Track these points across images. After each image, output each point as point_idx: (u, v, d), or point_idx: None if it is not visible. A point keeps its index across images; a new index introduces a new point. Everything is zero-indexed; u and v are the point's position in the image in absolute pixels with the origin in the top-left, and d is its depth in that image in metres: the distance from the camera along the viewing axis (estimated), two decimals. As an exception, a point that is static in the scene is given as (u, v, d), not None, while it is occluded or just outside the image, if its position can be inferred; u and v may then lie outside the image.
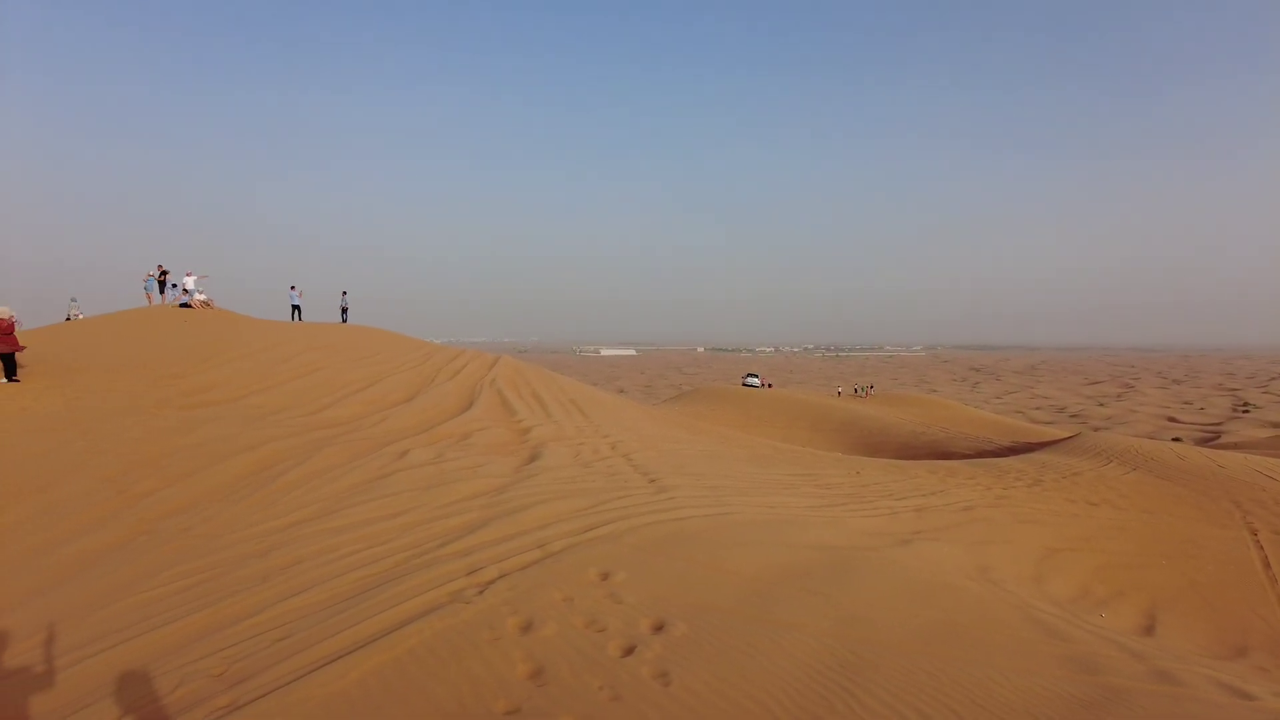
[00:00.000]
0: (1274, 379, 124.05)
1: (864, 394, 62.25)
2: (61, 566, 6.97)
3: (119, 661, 4.78)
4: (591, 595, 5.25)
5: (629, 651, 4.44)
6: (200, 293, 26.93)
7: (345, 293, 30.01)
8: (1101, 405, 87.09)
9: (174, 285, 27.75)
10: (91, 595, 6.16)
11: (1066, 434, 31.37)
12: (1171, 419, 75.87)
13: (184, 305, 26.59)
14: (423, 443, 11.41)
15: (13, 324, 14.26)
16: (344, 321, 29.49)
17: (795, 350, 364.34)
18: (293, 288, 29.11)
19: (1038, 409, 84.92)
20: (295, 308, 28.74)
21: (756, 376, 70.82)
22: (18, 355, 14.45)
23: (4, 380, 14.18)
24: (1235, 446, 38.50)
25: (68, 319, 28.08)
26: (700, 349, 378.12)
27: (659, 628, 4.76)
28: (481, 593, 5.24)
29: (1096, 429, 58.52)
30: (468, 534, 6.82)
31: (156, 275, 28.16)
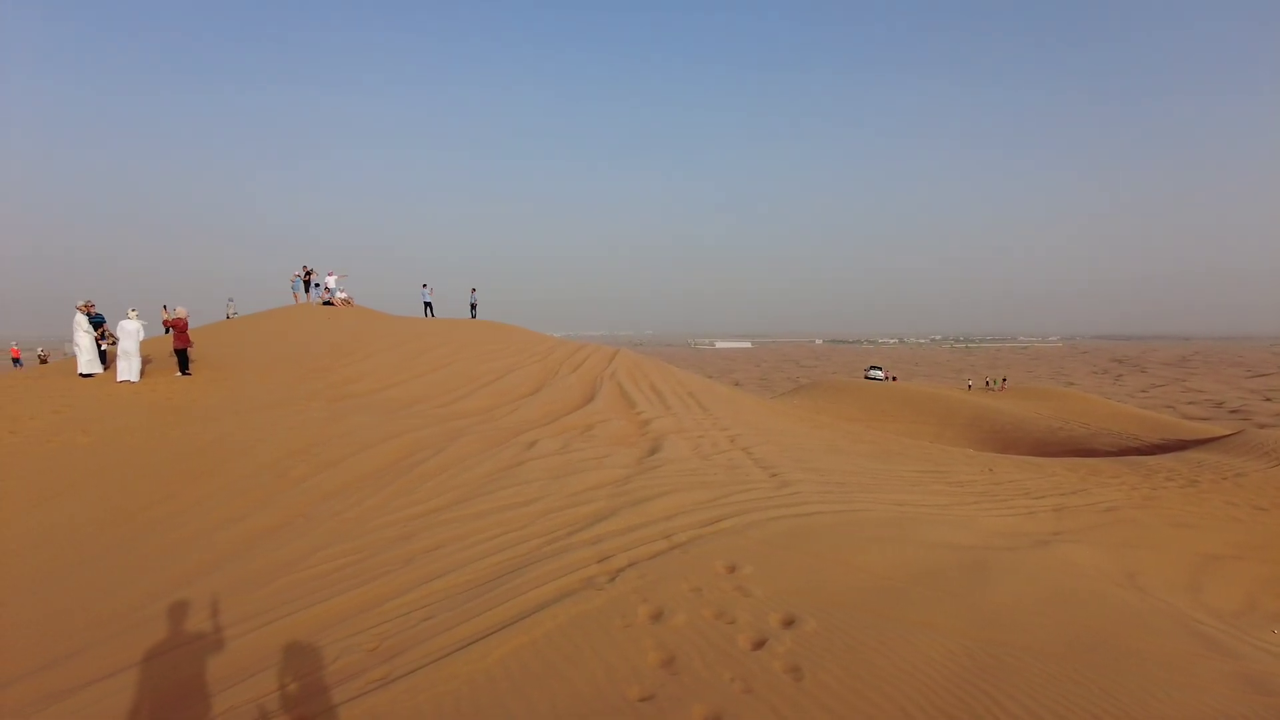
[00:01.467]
0: None
1: (996, 387, 59.16)
2: (231, 544, 7.65)
3: (285, 633, 5.21)
4: (719, 587, 5.31)
5: (759, 645, 4.47)
6: (341, 291, 28.75)
7: (474, 290, 31.27)
8: (1269, 400, 79.12)
9: (317, 285, 29.75)
10: (257, 571, 6.74)
11: (1227, 431, 28.74)
12: (1357, 416, 68.11)
13: (327, 303, 28.46)
14: (549, 434, 11.78)
15: (187, 323, 15.74)
16: (473, 317, 30.74)
17: (921, 342, 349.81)
18: (425, 286, 30.60)
19: (1191, 404, 78.07)
20: (427, 305, 30.21)
21: (880, 369, 68.70)
22: (189, 351, 15.94)
23: (179, 374, 15.69)
24: None
25: (227, 317, 30.64)
26: (818, 341, 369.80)
27: (789, 622, 4.76)
28: (612, 580, 5.39)
29: (1263, 426, 53.30)
30: (596, 522, 7.02)
31: (302, 275, 30.26)
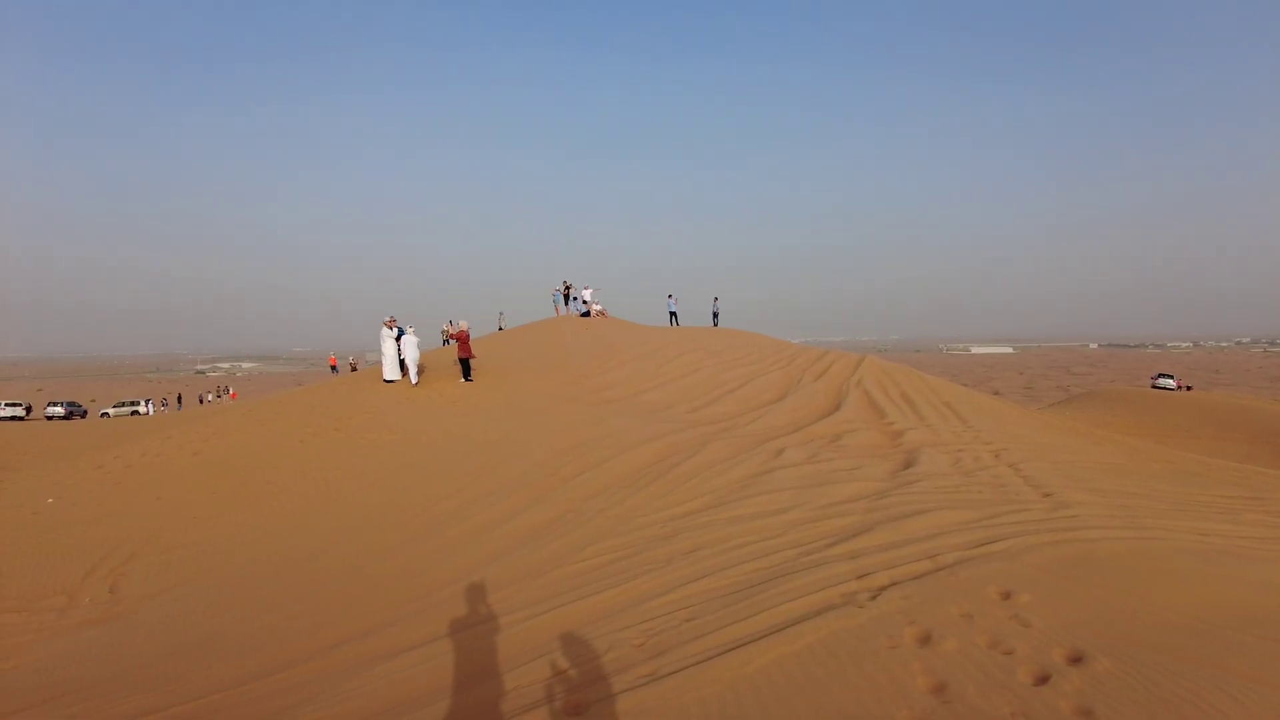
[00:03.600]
0: None
1: (1331, 400, 49.23)
2: (510, 536, 8.50)
3: (559, 623, 5.70)
4: (993, 614, 4.99)
5: (1042, 680, 4.15)
6: (596, 303, 30.74)
7: (716, 298, 31.96)
8: None
9: (575, 298, 32.09)
10: (533, 563, 7.43)
11: None
12: None
13: (584, 314, 30.58)
14: (796, 442, 11.73)
15: (468, 335, 17.76)
16: (715, 325, 31.41)
17: (1222, 345, 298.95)
18: (670, 296, 31.77)
19: None
20: (673, 314, 31.35)
21: (1171, 377, 60.07)
22: (471, 360, 17.95)
23: (463, 380, 17.71)
24: None
25: (499, 329, 33.99)
26: (1093, 345, 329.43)
27: (1076, 659, 4.36)
28: (874, 598, 5.27)
29: None
30: (852, 536, 6.90)
31: (561, 290, 32.82)
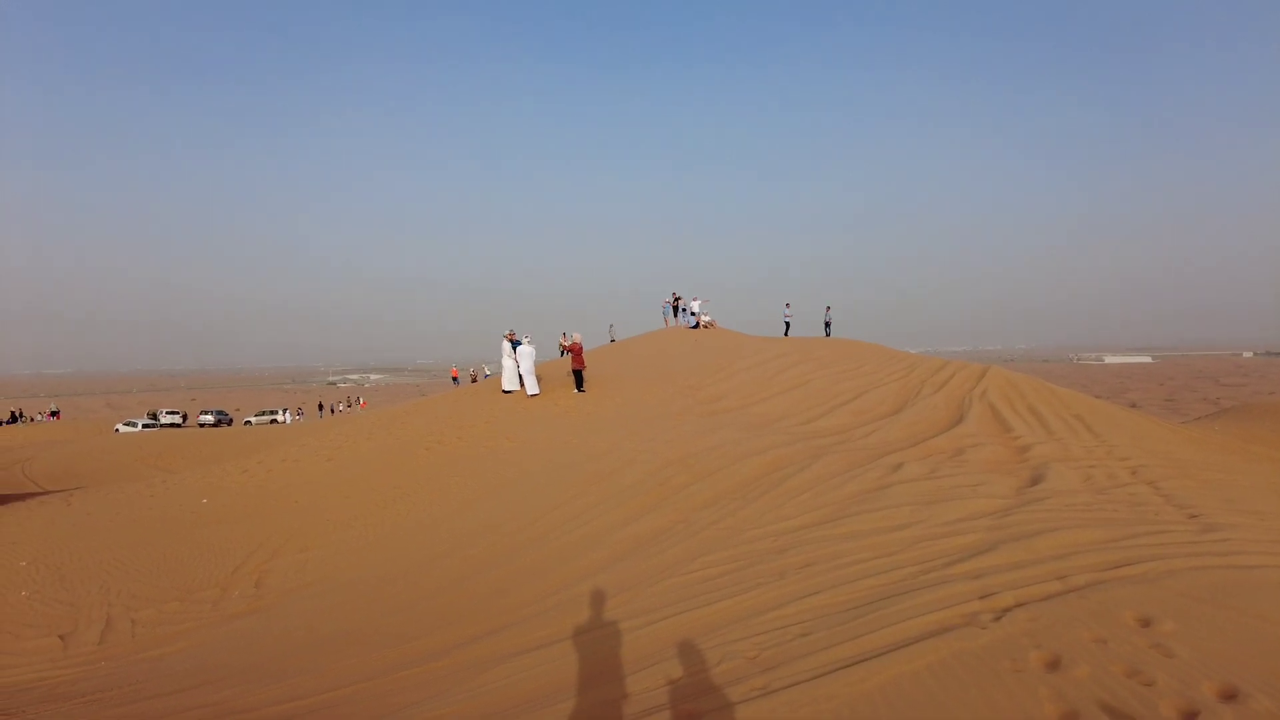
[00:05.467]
0: None
1: None
2: (622, 544, 8.64)
3: (672, 631, 5.76)
4: (1130, 641, 4.69)
5: (1190, 716, 3.86)
6: (705, 314, 30.77)
7: (829, 308, 31.36)
8: None
9: (684, 309, 32.25)
10: (647, 570, 7.52)
11: None
12: None
13: (693, 326, 30.68)
14: (914, 456, 11.36)
15: (581, 347, 18.19)
16: (827, 334, 30.82)
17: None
18: (787, 305, 31.33)
19: None
20: (788, 324, 30.93)
21: (1343, 389, 54.27)
22: (583, 371, 18.37)
23: (576, 391, 18.14)
24: None
25: (610, 341, 34.57)
26: (1247, 354, 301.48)
27: (1229, 695, 4.04)
28: (998, 619, 5.06)
29: None
30: (974, 555, 6.63)
31: (671, 301, 33.06)
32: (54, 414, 68.62)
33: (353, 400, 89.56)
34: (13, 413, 67.75)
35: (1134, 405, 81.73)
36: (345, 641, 7.47)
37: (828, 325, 31.08)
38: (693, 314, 30.98)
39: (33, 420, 65.24)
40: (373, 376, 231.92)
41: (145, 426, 53.60)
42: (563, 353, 30.53)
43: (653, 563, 7.71)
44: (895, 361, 22.01)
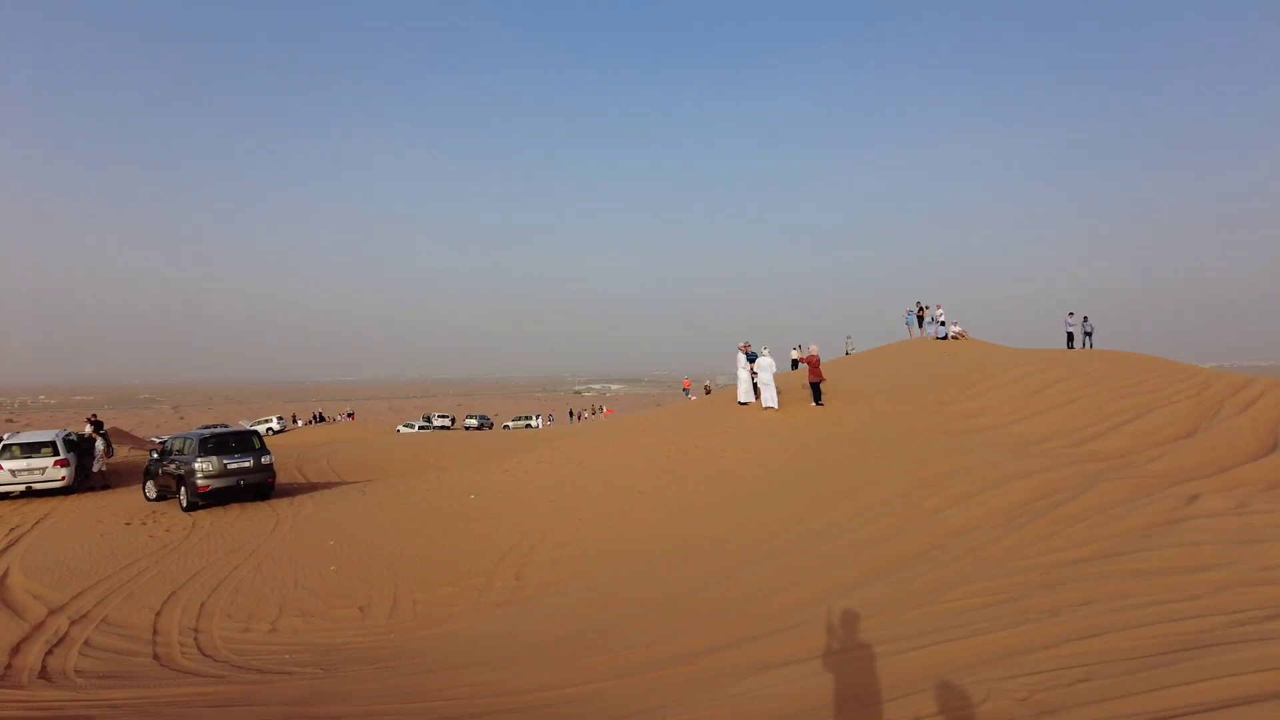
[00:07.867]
0: None
1: None
2: (873, 564, 8.33)
3: (929, 661, 5.44)
4: None
5: None
6: (955, 324, 28.85)
7: (1086, 317, 27.91)
8: None
9: (930, 319, 30.42)
10: (899, 595, 7.19)
11: None
12: None
13: (942, 337, 28.87)
14: (1215, 487, 9.84)
15: (819, 359, 17.84)
16: (1088, 346, 27.47)
17: None
18: (1070, 315, 28.14)
19: None
20: (1070, 334, 27.88)
21: None
22: (821, 384, 17.99)
23: (814, 404, 17.81)
24: None
25: (846, 353, 33.57)
26: None
27: None
28: (1346, 689, 4.23)
29: None
30: (1306, 609, 5.60)
31: (915, 311, 31.34)
32: (350, 415, 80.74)
33: (597, 408, 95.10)
34: (318, 414, 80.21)
35: None
36: (595, 637, 7.90)
37: (1089, 335, 27.56)
38: (941, 323, 29.14)
39: (334, 420, 76.60)
40: (613, 386, 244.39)
41: (421, 428, 60.76)
42: (794, 365, 30.08)
43: (904, 588, 7.36)
44: (1184, 377, 19.14)
